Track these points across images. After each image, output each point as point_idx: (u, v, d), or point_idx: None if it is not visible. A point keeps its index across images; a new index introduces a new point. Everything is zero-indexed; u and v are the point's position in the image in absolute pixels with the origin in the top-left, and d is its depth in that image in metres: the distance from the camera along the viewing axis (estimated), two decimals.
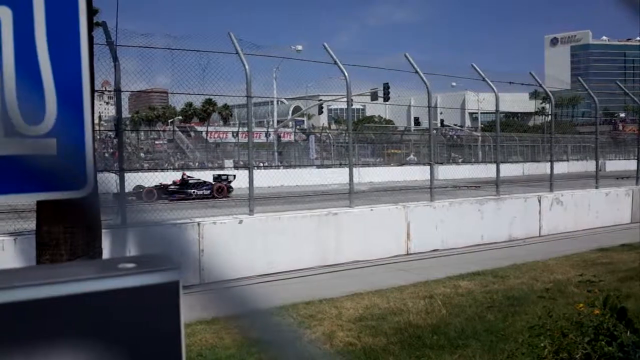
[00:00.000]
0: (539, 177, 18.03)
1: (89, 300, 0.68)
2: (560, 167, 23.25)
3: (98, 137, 19.66)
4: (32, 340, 0.64)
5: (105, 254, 5.81)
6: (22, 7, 0.80)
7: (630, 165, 16.88)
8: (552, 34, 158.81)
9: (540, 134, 38.60)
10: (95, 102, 6.70)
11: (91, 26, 4.39)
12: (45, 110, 0.82)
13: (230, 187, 19.00)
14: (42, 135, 0.82)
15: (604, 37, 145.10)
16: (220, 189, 18.78)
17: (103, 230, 5.33)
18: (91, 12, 4.46)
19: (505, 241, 10.94)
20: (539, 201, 11.97)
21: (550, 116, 15.88)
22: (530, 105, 77.30)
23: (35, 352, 0.64)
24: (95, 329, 0.68)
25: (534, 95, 65.24)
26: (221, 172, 20.50)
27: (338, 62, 9.81)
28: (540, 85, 13.94)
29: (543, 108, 64.26)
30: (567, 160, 35.43)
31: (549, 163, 13.61)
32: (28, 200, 0.81)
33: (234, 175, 19.15)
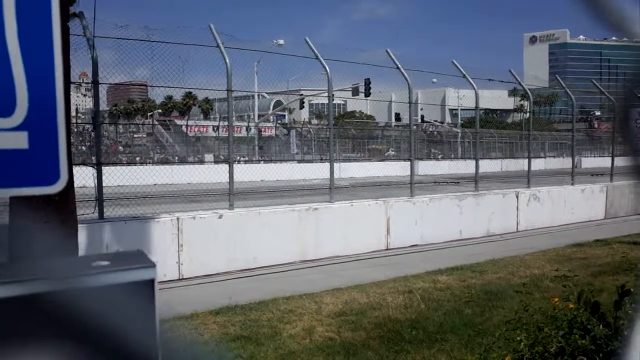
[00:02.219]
0: (516, 174, 18.32)
1: (63, 297, 0.66)
2: (538, 164, 23.65)
3: (75, 130, 19.32)
4: (5, 338, 0.62)
5: (82, 249, 5.73)
6: None
7: (605, 162, 17.23)
8: (531, 32, 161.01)
9: (519, 130, 39.14)
10: (72, 94, 6.58)
11: (67, 16, 4.29)
12: (16, 102, 0.79)
13: None
14: (13, 128, 0.79)
15: (581, 37, 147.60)
16: None
17: (80, 225, 5.24)
18: (67, 1, 4.36)
19: (483, 236, 11.09)
20: (517, 197, 12.15)
21: (528, 113, 16.11)
22: (509, 103, 78.33)
23: (9, 349, 0.63)
24: (70, 326, 0.66)
25: (513, 92, 66.11)
26: None
27: (319, 56, 9.78)
28: (519, 83, 14.13)
29: (521, 105, 65.17)
30: (545, 157, 36.03)
31: (527, 160, 13.83)
32: None
33: None
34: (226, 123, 10.45)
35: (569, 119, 17.13)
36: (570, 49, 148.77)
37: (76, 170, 6.46)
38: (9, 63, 0.78)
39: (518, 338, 3.21)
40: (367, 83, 29.30)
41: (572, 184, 14.10)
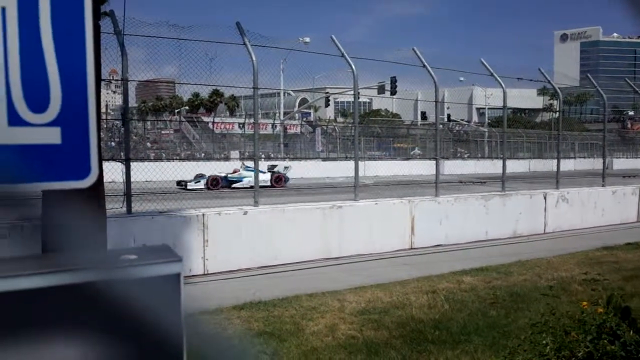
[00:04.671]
0: (545, 174, 17.95)
1: (91, 289, 0.68)
2: (567, 165, 23.12)
3: (105, 126, 19.72)
4: (35, 328, 0.64)
5: (110, 243, 5.85)
6: None
7: (638, 163, 16.76)
8: (562, 29, 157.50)
9: (548, 130, 38.35)
10: (102, 90, 6.72)
11: (98, 14, 4.39)
12: (50, 98, 0.82)
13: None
14: (47, 124, 0.81)
15: (615, 34, 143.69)
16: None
17: (108, 219, 5.35)
18: (98, 0, 4.46)
19: (509, 237, 10.91)
20: (545, 198, 11.92)
21: (558, 113, 15.77)
22: (538, 102, 76.82)
23: (39, 339, 0.65)
24: (97, 318, 0.68)
25: (542, 91, 64.80)
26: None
27: (345, 54, 9.76)
28: (549, 82, 13.83)
29: (551, 104, 63.86)
30: (574, 158, 35.21)
31: (556, 160, 13.54)
32: (32, 189, 0.80)
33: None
34: (252, 120, 10.53)
35: (600, 119, 16.73)
36: (603, 46, 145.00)
37: (105, 165, 6.59)
38: (44, 61, 0.80)
39: (544, 342, 3.15)
40: (393, 81, 29.15)
41: (603, 186, 13.75)
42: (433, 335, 4.89)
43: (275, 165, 21.35)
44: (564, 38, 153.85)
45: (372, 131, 35.76)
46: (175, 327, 0.73)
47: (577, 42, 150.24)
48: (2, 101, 0.78)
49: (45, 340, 0.65)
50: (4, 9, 0.78)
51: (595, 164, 23.11)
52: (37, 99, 0.80)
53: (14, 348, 0.63)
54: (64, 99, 0.82)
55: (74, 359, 0.66)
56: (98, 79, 4.67)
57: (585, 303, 3.43)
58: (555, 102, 43.35)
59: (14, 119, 0.79)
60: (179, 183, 17.14)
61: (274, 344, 4.72)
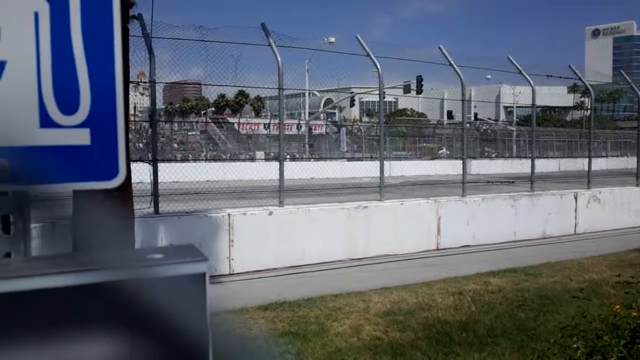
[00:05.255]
0: (575, 174, 17.57)
1: (118, 288, 0.69)
2: (599, 164, 22.53)
3: (132, 127, 20.10)
4: (62, 326, 0.66)
5: (138, 243, 5.95)
6: (59, 0, 0.81)
7: None
8: (593, 25, 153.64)
9: (579, 128, 37.48)
10: (131, 92, 6.84)
11: (126, 18, 4.47)
12: (80, 100, 0.83)
13: None
14: (76, 126, 0.83)
15: None
16: None
17: (136, 219, 5.45)
18: (127, 4, 4.54)
19: (539, 238, 10.70)
20: (575, 198, 11.65)
21: (589, 110, 15.39)
22: (568, 99, 75.05)
23: (66, 337, 0.66)
24: (124, 316, 0.69)
25: (573, 88, 63.27)
26: None
27: (370, 54, 9.72)
28: (580, 79, 13.51)
29: (582, 102, 62.35)
30: (606, 157, 34.32)
31: (587, 159, 13.22)
32: (62, 189, 0.82)
33: None
34: (277, 120, 10.58)
35: (635, 116, 16.24)
36: (637, 41, 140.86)
37: (133, 166, 6.71)
38: (74, 64, 0.82)
39: (575, 345, 3.07)
40: (419, 80, 28.88)
41: (637, 185, 13.36)
42: (459, 337, 4.83)
43: None
44: (595, 33, 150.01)
45: (397, 131, 35.50)
46: (201, 327, 0.73)
47: (609, 37, 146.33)
48: (34, 103, 0.80)
49: (72, 339, 0.66)
50: (36, 14, 0.80)
51: (629, 162, 22.44)
52: (68, 101, 0.82)
53: (41, 346, 0.65)
54: (93, 102, 0.84)
55: (100, 358, 0.67)
56: (126, 82, 4.77)
57: (618, 306, 3.34)
58: (586, 100, 42.31)
59: (45, 121, 0.81)
60: None
61: (299, 344, 4.73)
